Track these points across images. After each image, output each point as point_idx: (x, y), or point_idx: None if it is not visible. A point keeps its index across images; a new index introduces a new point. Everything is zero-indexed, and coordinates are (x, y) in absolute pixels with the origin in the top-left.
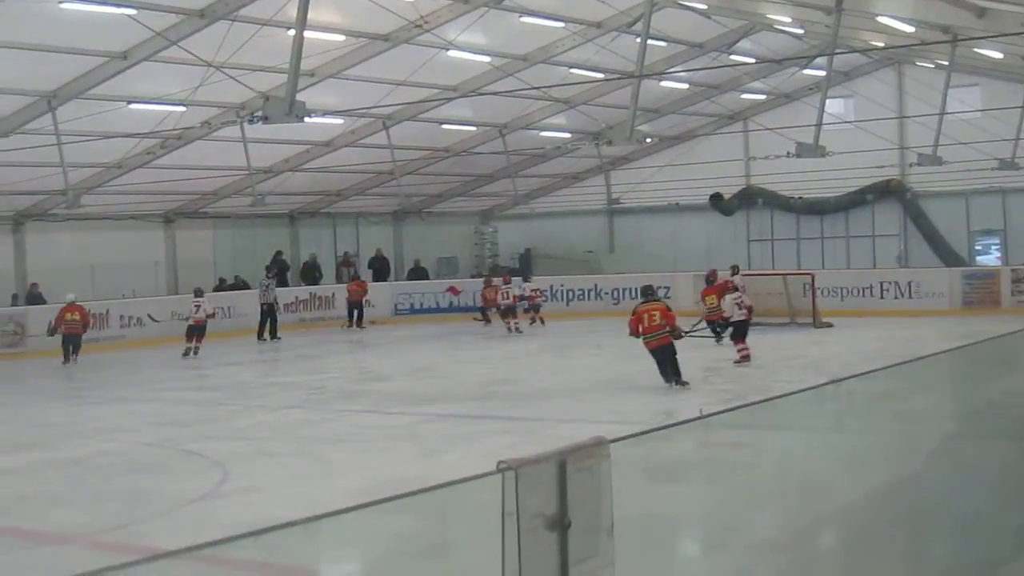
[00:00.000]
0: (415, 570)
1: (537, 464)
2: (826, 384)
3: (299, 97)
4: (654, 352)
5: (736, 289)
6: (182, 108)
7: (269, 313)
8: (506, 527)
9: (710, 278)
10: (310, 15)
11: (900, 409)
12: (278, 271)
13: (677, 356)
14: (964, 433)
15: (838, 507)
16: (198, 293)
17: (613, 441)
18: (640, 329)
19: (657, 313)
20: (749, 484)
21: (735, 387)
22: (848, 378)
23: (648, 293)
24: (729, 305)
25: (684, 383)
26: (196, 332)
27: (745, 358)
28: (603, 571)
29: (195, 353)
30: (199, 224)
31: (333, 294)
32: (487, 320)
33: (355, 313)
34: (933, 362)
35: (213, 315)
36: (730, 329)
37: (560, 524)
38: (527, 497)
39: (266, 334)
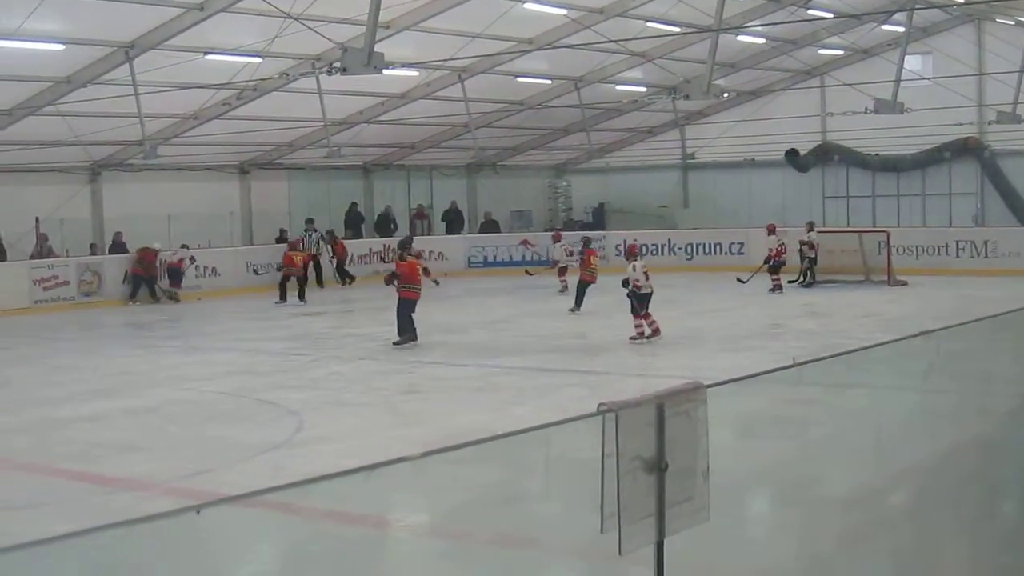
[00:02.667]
0: (492, 518)
1: (637, 407)
2: (900, 340)
3: (376, 49)
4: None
5: (635, 256)
6: (258, 59)
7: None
8: (605, 468)
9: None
10: None
11: (975, 368)
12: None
13: None
14: None
15: (909, 465)
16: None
17: (710, 386)
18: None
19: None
20: (820, 441)
21: (806, 344)
22: (920, 334)
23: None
24: (640, 274)
25: None
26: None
27: (640, 336)
28: (698, 514)
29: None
30: (274, 175)
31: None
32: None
33: (343, 273)
34: (1010, 321)
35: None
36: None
37: (657, 466)
38: (626, 439)
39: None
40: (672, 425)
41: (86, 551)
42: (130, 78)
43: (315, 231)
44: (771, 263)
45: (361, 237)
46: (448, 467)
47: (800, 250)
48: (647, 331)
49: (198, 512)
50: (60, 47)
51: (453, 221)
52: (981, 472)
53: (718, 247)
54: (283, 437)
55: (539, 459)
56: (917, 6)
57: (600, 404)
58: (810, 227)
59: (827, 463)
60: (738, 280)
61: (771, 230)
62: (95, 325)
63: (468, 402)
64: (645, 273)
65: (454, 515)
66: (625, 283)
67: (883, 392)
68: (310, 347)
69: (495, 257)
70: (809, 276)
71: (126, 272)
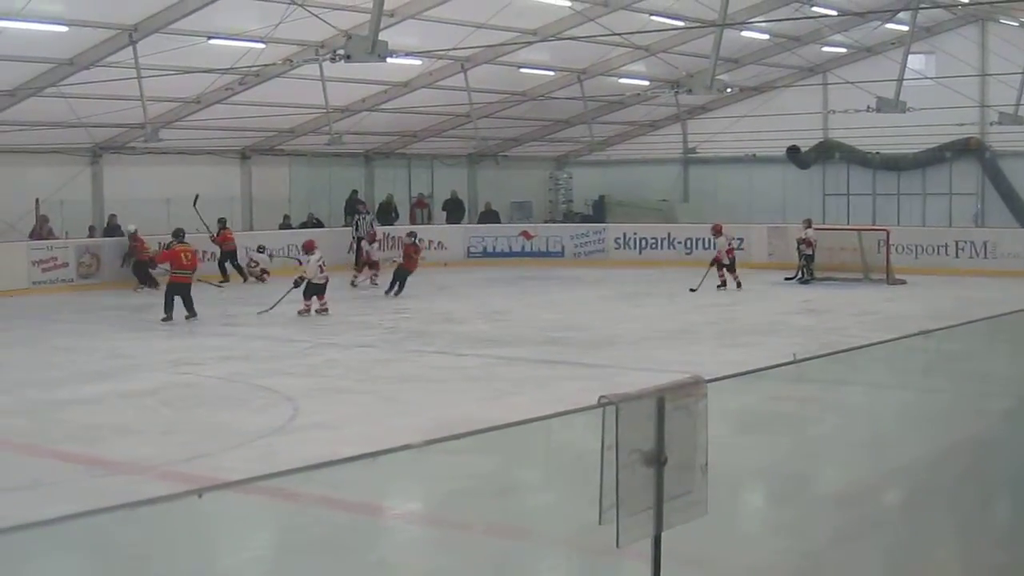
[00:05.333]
0: (487, 508)
1: (637, 400)
2: (899, 339)
3: (380, 37)
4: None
5: (311, 251)
6: (262, 45)
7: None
8: (605, 460)
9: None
10: None
11: (971, 368)
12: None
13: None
14: None
15: (903, 463)
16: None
17: (711, 381)
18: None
19: (189, 254)
20: (816, 438)
21: (803, 341)
22: (920, 333)
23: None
24: (313, 267)
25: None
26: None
27: (304, 312)
28: (696, 507)
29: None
30: (275, 161)
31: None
32: None
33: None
34: (1007, 322)
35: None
36: None
37: (657, 460)
38: (626, 432)
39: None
40: (672, 419)
41: (86, 533)
42: (133, 61)
43: (367, 213)
44: (722, 264)
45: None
46: (444, 456)
47: (798, 248)
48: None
49: (200, 496)
50: (64, 28)
51: (453, 211)
52: (976, 471)
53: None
54: (279, 423)
55: (536, 450)
56: (921, 5)
57: (601, 396)
58: (807, 224)
59: (823, 460)
60: (690, 290)
61: (718, 231)
62: (93, 307)
63: (466, 392)
64: (320, 266)
65: (449, 504)
66: None
67: (879, 390)
68: (308, 333)
69: (494, 247)
70: (806, 273)
71: (126, 258)
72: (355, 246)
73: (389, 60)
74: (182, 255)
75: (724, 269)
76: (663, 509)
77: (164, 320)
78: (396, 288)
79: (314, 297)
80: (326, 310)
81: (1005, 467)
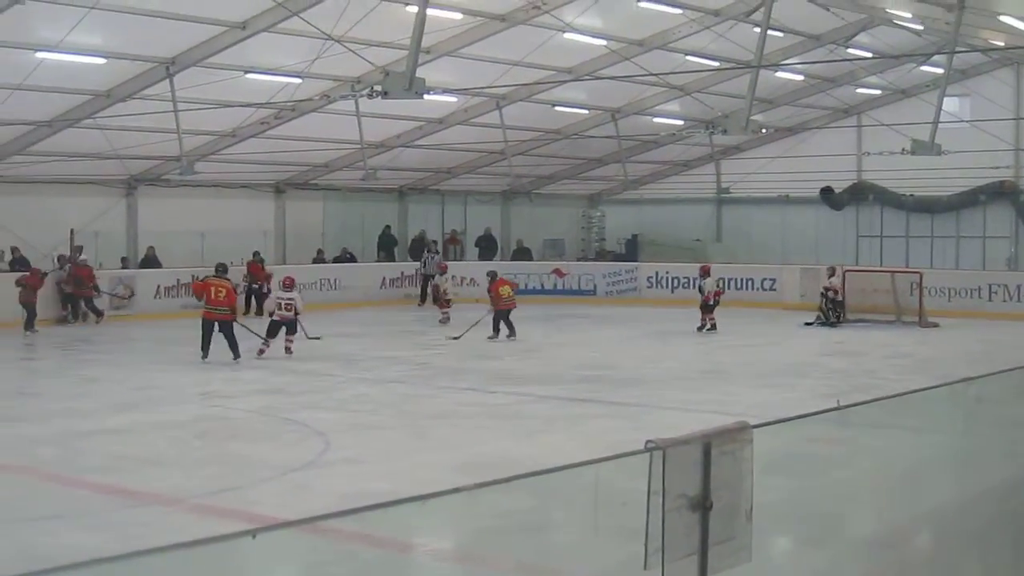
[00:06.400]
0: (516, 546)
1: (684, 445)
2: (942, 385)
3: (417, 74)
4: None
5: (292, 288)
6: (298, 80)
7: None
8: (651, 505)
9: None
10: None
11: (1003, 413)
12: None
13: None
14: None
15: (933, 507)
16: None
17: (756, 427)
18: (206, 298)
19: (223, 290)
20: (846, 481)
21: (838, 383)
22: (958, 381)
23: (219, 270)
24: (272, 303)
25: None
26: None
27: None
28: (740, 553)
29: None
30: (309, 195)
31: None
32: None
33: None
34: None
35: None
36: None
37: (702, 505)
38: (673, 477)
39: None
40: (718, 464)
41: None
42: (170, 94)
43: (437, 254)
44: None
45: (393, 260)
46: (481, 494)
47: (823, 294)
48: None
49: (254, 537)
50: (101, 61)
51: (486, 247)
52: (1005, 516)
53: (750, 282)
54: (309, 457)
55: (569, 489)
56: (957, 49)
57: (647, 441)
58: (831, 272)
59: (855, 503)
60: (697, 330)
61: (706, 272)
62: (125, 338)
63: (498, 429)
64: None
65: (478, 541)
66: None
67: (913, 434)
68: (341, 368)
69: (526, 285)
70: (832, 316)
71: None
72: (423, 284)
73: (425, 97)
74: (212, 289)
75: (705, 310)
76: (708, 554)
77: (203, 359)
78: (508, 331)
79: (284, 333)
80: (290, 350)
81: None
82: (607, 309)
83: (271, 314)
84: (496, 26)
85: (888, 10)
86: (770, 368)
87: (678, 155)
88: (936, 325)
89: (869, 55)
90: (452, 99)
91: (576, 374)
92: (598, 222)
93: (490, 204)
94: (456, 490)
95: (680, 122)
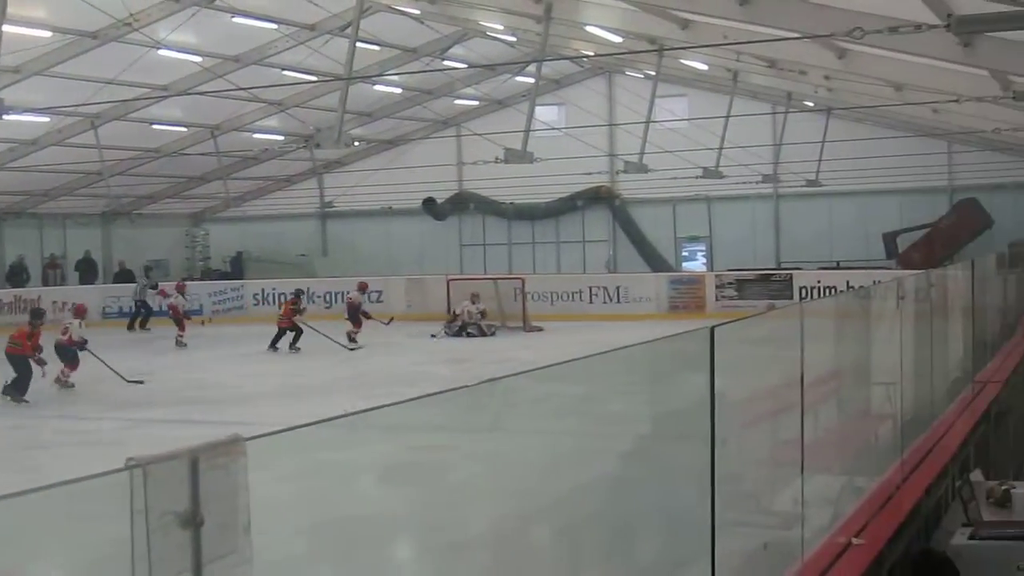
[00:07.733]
0: None
1: (167, 462)
2: (484, 382)
3: (1, 94)
4: None
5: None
6: None
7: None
8: (135, 525)
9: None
10: (14, 10)
11: (593, 410)
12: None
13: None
14: (657, 435)
15: (538, 507)
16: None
17: (249, 439)
18: None
19: None
20: (453, 486)
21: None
22: (507, 376)
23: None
24: (77, 329)
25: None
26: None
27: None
28: (239, 568)
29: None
30: None
31: (39, 297)
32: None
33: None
34: (628, 364)
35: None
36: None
37: (193, 522)
38: (157, 494)
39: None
40: (209, 479)
41: None
42: None
43: (147, 279)
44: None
45: None
46: None
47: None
48: None
49: None
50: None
51: (86, 271)
52: (607, 511)
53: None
54: None
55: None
56: (547, 58)
57: (128, 458)
58: (474, 299)
59: (464, 507)
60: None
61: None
62: None
63: (86, 457)
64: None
65: None
66: None
67: (516, 436)
68: None
69: (130, 307)
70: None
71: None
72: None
73: (12, 117)
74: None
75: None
76: (203, 571)
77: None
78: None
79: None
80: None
81: (635, 506)
82: (214, 329)
83: None
84: (87, 43)
85: (481, 22)
86: (375, 380)
87: (280, 170)
88: (540, 329)
89: (464, 66)
90: (44, 119)
91: (172, 397)
92: (202, 240)
93: (90, 227)
94: None
95: (280, 137)
